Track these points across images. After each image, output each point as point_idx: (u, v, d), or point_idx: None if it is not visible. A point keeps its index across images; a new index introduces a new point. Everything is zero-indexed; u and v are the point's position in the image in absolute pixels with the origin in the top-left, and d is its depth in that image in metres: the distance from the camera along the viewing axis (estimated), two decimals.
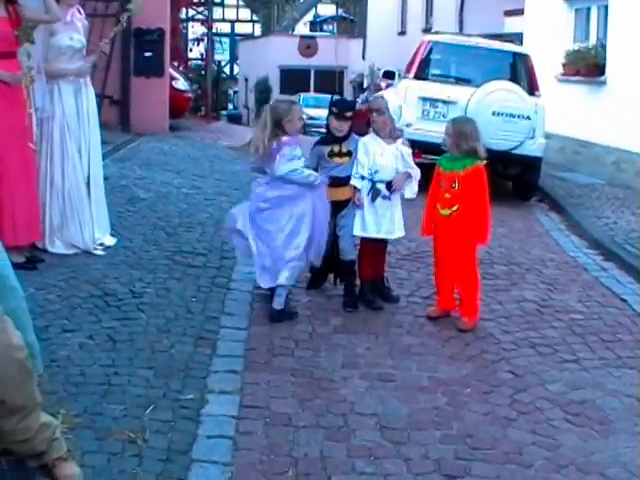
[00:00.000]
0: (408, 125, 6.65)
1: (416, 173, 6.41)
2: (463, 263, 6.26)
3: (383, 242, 6.67)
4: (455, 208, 6.14)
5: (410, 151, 6.49)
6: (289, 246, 6.05)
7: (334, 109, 6.28)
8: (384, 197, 6.34)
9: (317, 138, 6.64)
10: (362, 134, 6.60)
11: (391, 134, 6.40)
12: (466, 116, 7.40)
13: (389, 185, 6.34)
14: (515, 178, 12.92)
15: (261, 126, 5.98)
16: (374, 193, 6.32)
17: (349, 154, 6.36)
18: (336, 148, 6.32)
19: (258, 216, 6.05)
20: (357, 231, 6.41)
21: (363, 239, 6.56)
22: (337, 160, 6.32)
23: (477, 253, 6.49)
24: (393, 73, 15.12)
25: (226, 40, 56.16)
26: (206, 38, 28.96)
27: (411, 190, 6.42)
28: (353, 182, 6.31)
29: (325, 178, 6.17)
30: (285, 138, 5.89)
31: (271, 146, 5.89)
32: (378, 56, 32.26)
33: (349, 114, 6.28)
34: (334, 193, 6.32)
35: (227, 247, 7.65)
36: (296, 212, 6.02)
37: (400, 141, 6.42)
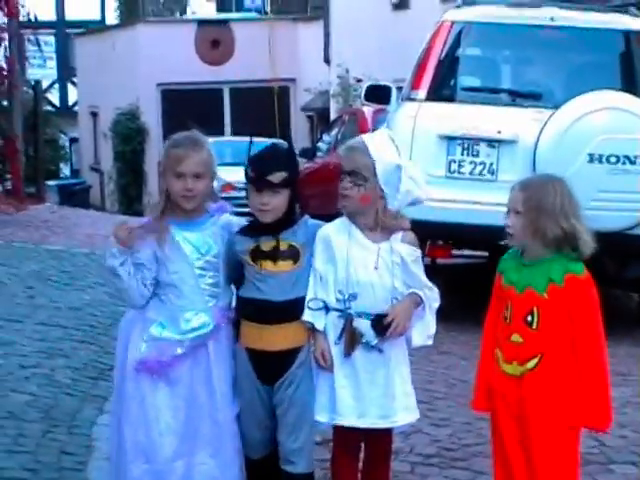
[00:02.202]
0: (414, 203, 4.81)
1: (432, 297, 4.78)
2: (551, 466, 4.52)
3: (381, 434, 4.82)
4: (534, 363, 4.55)
5: (419, 254, 4.81)
6: None
7: (250, 171, 4.70)
8: (370, 347, 4.70)
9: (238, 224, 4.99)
10: (330, 216, 4.90)
11: (380, 221, 4.72)
12: (550, 174, 5.13)
13: (379, 323, 4.65)
14: None
15: None
16: (350, 339, 4.67)
17: (295, 255, 4.70)
18: (266, 244, 4.68)
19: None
20: (321, 414, 4.72)
21: (340, 430, 4.77)
22: (268, 267, 4.68)
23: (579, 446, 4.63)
24: (387, 90, 10.49)
25: (50, 38, 39.92)
26: (7, 35, 18.51)
27: (425, 330, 4.80)
28: (307, 317, 4.67)
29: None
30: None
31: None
32: (355, 55, 24.19)
33: (281, 177, 4.65)
34: (264, 336, 4.72)
35: (69, 460, 5.58)
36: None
37: (399, 235, 4.72)
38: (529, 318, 4.55)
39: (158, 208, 4.72)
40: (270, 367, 4.71)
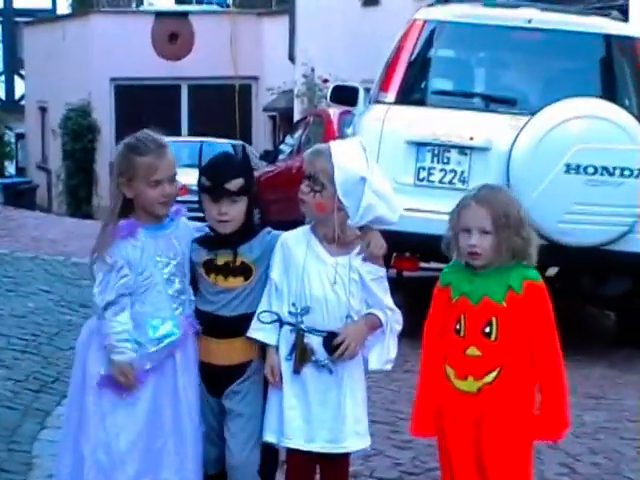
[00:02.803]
0: (380, 222, 4.57)
1: (394, 319, 4.55)
2: None
3: (337, 457, 4.58)
4: (492, 376, 4.41)
5: (382, 273, 4.57)
6: None
7: (205, 180, 4.55)
8: (320, 365, 4.50)
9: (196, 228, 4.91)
10: (292, 222, 4.80)
11: (337, 234, 4.49)
12: (491, 184, 4.90)
13: (330, 342, 4.48)
14: (619, 305, 9.27)
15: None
16: (300, 355, 4.49)
17: (246, 271, 4.57)
18: (221, 258, 4.57)
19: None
20: (270, 435, 4.55)
21: (292, 452, 4.56)
22: (219, 282, 4.59)
23: (532, 461, 4.54)
24: (354, 91, 10.12)
25: None
26: None
27: (383, 353, 4.59)
28: (253, 333, 4.51)
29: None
30: (123, 222, 4.56)
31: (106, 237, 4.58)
32: (321, 53, 23.77)
33: (238, 185, 4.52)
34: (214, 351, 4.63)
35: (7, 478, 5.25)
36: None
37: (357, 249, 4.54)
38: (487, 329, 4.42)
39: (115, 213, 4.59)
40: (216, 380, 4.64)
